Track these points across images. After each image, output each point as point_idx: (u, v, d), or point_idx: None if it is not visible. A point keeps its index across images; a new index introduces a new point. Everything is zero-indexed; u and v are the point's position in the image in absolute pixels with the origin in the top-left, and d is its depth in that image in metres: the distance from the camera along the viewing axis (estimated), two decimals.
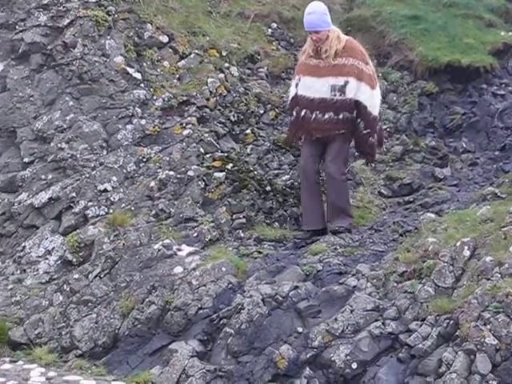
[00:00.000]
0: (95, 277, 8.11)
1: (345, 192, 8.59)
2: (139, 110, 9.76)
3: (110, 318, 7.69)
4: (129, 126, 9.64)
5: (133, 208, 8.86)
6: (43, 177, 9.48)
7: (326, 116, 8.20)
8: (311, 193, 8.55)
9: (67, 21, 10.11)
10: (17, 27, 10.48)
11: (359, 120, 8.29)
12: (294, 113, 8.66)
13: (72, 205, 9.12)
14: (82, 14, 10.09)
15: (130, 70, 10.04)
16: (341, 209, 8.46)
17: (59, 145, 9.52)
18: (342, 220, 8.44)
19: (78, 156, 9.40)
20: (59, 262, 8.76)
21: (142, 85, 10.00)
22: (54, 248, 8.91)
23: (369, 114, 8.28)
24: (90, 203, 9.06)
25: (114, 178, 9.22)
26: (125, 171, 9.30)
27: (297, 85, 8.55)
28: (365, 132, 8.34)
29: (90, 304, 7.88)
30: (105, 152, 9.50)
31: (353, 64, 8.13)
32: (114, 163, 9.33)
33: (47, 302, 8.27)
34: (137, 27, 10.39)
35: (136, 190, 9.07)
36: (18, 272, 8.92)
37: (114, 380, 6.95)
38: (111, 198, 9.06)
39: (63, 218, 9.14)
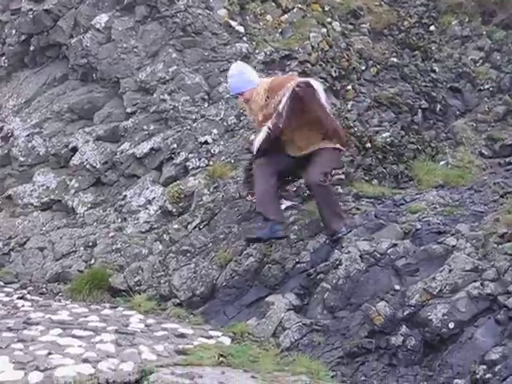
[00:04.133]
0: (194, 227, 8.21)
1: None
2: None
3: (208, 269, 7.78)
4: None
5: (232, 161, 8.90)
6: (145, 127, 9.61)
7: None
8: None
9: None
10: None
11: None
12: None
13: (173, 156, 9.24)
14: None
15: (233, 23, 10.04)
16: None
17: (161, 96, 9.62)
18: None
19: (180, 108, 9.49)
20: (159, 211, 8.90)
21: (244, 38, 10.00)
22: (154, 198, 9.05)
23: None
24: (190, 155, 9.15)
25: (215, 131, 9.28)
26: (225, 124, 9.35)
27: None
28: None
29: (188, 254, 7.99)
30: (206, 104, 9.56)
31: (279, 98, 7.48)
32: (215, 116, 9.39)
33: (147, 251, 8.42)
34: None
35: (236, 143, 9.11)
36: (119, 220, 9.11)
37: (210, 329, 7.04)
38: (211, 151, 9.13)
39: (164, 168, 9.27)
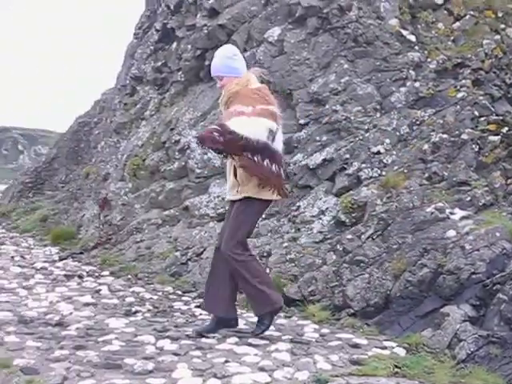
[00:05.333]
0: (368, 238, 8.20)
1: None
2: (413, 73, 9.70)
3: (381, 279, 7.76)
4: (402, 89, 9.62)
5: (405, 170, 8.84)
6: (318, 138, 9.71)
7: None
8: None
9: None
10: None
11: None
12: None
13: (345, 166, 9.29)
14: None
15: (405, 33, 9.99)
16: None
17: (334, 107, 9.69)
18: None
19: (352, 118, 9.53)
20: (332, 222, 8.96)
21: (416, 47, 9.93)
22: (327, 208, 9.12)
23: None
24: (363, 165, 9.17)
25: (388, 141, 9.25)
26: (398, 133, 9.31)
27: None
28: None
29: (362, 264, 7.99)
30: (378, 114, 9.56)
31: (230, 111, 6.49)
32: (387, 125, 9.37)
33: (320, 261, 8.49)
34: None
35: (409, 153, 9.05)
36: (293, 231, 9.23)
37: (385, 340, 7.01)
38: (384, 160, 9.11)
39: (337, 179, 9.33)
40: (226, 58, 6.83)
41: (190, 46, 12.30)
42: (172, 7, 13.13)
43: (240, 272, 6.58)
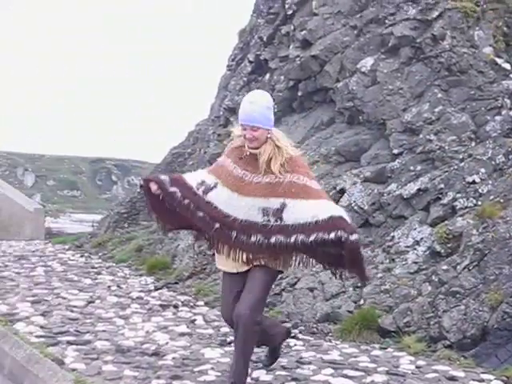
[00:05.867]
0: (464, 268, 8.10)
1: None
2: (508, 101, 9.61)
3: (478, 311, 7.65)
4: (498, 117, 9.53)
5: (502, 200, 8.71)
6: (412, 168, 9.67)
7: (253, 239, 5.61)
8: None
9: (436, 13, 10.25)
10: (386, 21, 10.82)
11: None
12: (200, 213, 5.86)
13: (440, 196, 9.21)
14: (451, 5, 10.16)
15: (499, 61, 9.93)
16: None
17: (428, 136, 9.65)
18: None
19: (447, 147, 9.47)
20: (427, 252, 8.89)
21: (511, 75, 9.83)
22: (422, 238, 9.05)
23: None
24: (458, 195, 9.09)
25: (483, 170, 9.15)
26: (493, 163, 9.20)
27: (212, 187, 5.81)
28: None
29: (458, 295, 7.89)
30: (473, 143, 9.48)
31: (291, 181, 5.56)
32: (482, 155, 9.27)
33: (416, 292, 8.41)
34: (506, 17, 10.24)
35: (505, 182, 8.92)
36: (387, 261, 9.18)
37: (482, 373, 6.90)
38: (479, 190, 9.01)
39: (431, 208, 9.26)
40: (266, 109, 5.67)
41: (282, 77, 12.44)
42: (265, 39, 13.31)
43: (253, 340, 5.78)
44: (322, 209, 5.41)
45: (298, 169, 5.62)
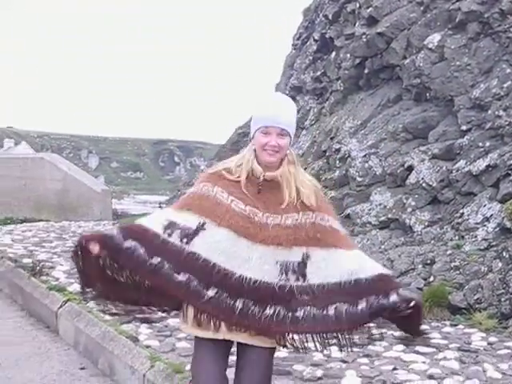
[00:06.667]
0: None
1: None
2: None
3: None
4: None
5: None
6: (480, 144, 9.58)
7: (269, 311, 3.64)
8: None
9: None
10: None
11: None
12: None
13: (510, 172, 9.09)
14: None
15: None
16: None
17: (496, 112, 9.53)
18: None
19: None
20: (497, 229, 8.81)
21: None
22: (492, 215, 8.98)
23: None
24: None
25: None
26: None
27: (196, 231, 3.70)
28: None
29: None
30: None
31: (314, 222, 3.78)
32: None
33: (486, 268, 8.36)
34: None
35: None
36: (457, 238, 9.13)
37: None
38: None
39: (501, 185, 9.16)
40: (295, 115, 3.90)
41: (348, 55, 12.42)
42: (330, 17, 13.28)
43: None
44: (360, 263, 3.71)
45: (321, 205, 3.82)
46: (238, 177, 3.73)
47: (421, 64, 10.64)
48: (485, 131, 9.62)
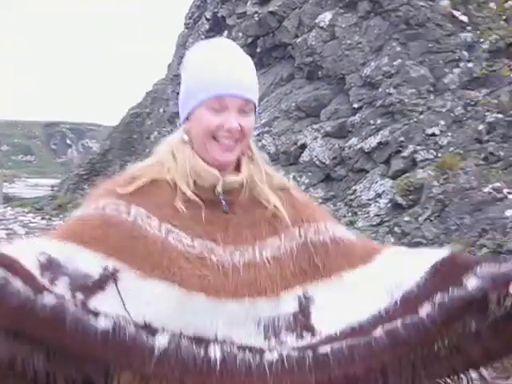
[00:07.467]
0: (425, 219, 8.20)
1: None
2: (466, 54, 9.67)
3: None
4: (456, 70, 9.59)
5: (461, 151, 8.81)
6: (372, 122, 9.72)
7: None
8: None
9: None
10: None
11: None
12: None
13: (400, 149, 9.28)
14: None
15: (456, 13, 9.96)
16: None
17: (387, 90, 9.69)
18: None
19: (406, 101, 9.52)
20: (389, 204, 8.96)
21: (468, 28, 9.89)
22: (383, 191, 9.12)
23: None
24: (418, 147, 9.15)
25: (442, 122, 9.22)
26: (452, 115, 9.27)
27: (100, 284, 1.67)
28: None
29: (421, 246, 7.96)
30: (432, 96, 9.54)
31: (306, 243, 1.85)
32: (441, 107, 9.34)
33: None
34: None
35: (464, 134, 9.01)
36: (350, 214, 9.25)
37: None
38: (439, 142, 9.09)
39: (392, 161, 9.33)
40: (255, 77, 1.88)
41: (241, 34, 12.39)
42: None
43: None
44: (398, 268, 1.87)
45: (306, 210, 1.97)
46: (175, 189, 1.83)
47: (313, 43, 10.71)
48: (376, 109, 9.77)
